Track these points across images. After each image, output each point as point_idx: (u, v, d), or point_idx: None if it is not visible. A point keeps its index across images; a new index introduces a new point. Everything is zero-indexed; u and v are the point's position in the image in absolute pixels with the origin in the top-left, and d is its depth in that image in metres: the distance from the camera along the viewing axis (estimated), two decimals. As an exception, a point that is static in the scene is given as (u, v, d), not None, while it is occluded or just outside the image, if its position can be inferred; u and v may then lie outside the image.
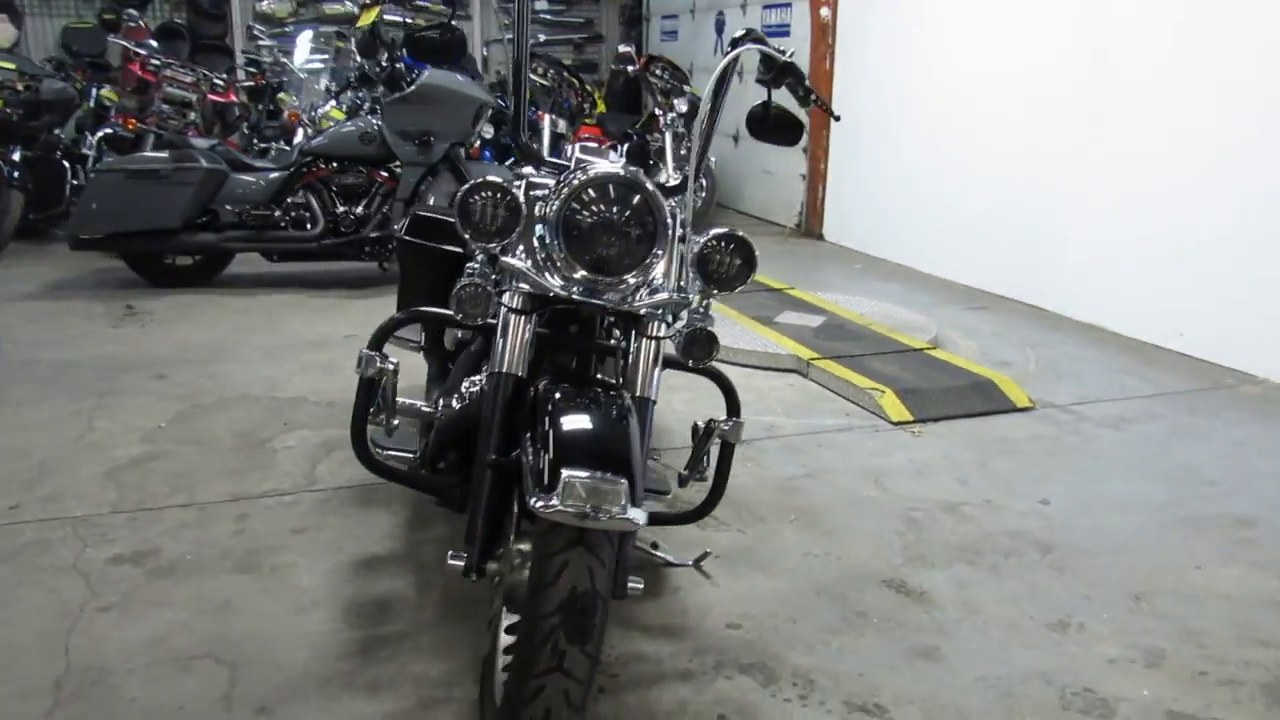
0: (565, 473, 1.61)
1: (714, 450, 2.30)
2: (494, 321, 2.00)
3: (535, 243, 1.97)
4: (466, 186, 1.89)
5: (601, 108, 8.67)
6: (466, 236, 1.92)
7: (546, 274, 1.97)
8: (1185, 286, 4.63)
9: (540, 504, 1.59)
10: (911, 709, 2.10)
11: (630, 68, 7.69)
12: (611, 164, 2.00)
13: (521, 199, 1.90)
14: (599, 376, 2.12)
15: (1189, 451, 3.54)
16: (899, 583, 2.61)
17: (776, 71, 2.34)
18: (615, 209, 1.93)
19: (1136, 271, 4.90)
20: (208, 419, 3.67)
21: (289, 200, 5.65)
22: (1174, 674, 2.25)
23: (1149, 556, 2.78)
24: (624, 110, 10.45)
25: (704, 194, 7.80)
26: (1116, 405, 3.99)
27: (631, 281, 1.97)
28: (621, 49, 8.31)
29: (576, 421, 1.74)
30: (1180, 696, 2.17)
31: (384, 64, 6.17)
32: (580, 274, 1.94)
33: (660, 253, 1.96)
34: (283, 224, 5.65)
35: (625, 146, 9.17)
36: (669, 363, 2.12)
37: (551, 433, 1.70)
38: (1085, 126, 5.17)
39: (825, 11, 7.18)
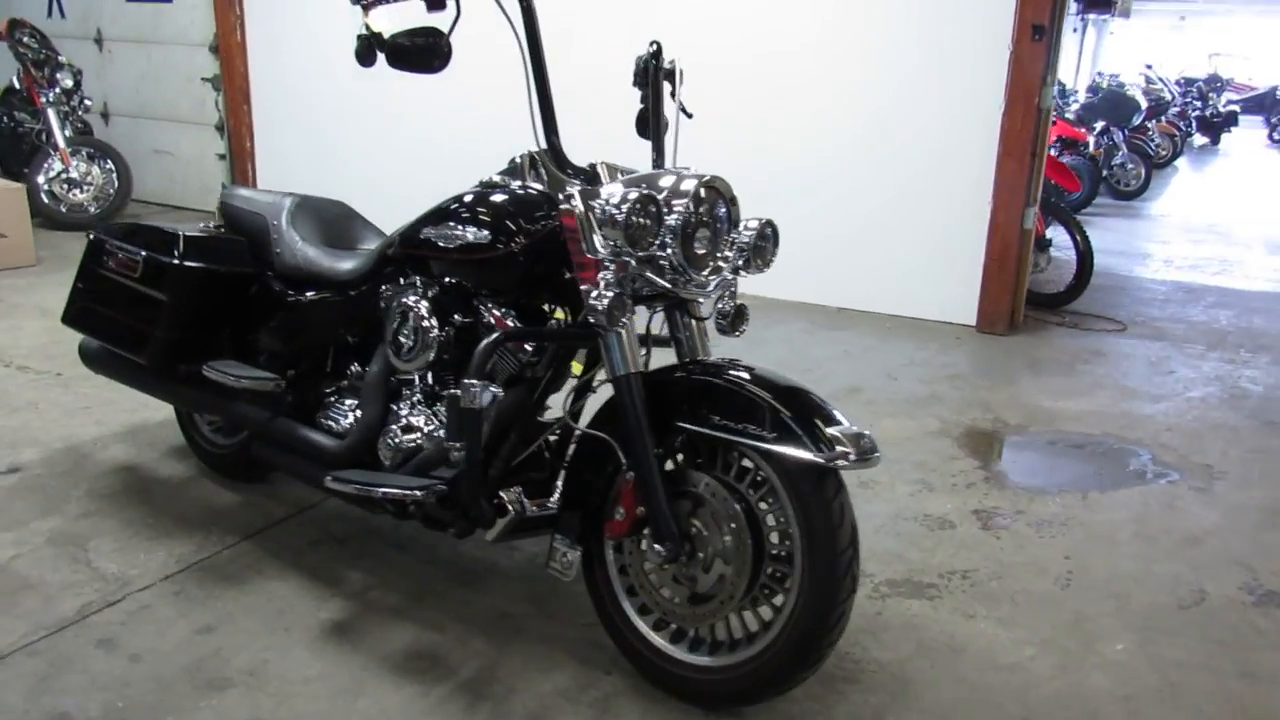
0: (833, 430, 1.92)
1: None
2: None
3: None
4: (637, 196, 1.93)
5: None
6: (619, 244, 1.96)
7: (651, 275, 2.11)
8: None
9: (826, 459, 1.88)
10: (896, 565, 2.78)
11: (-14, 35, 6.36)
12: (692, 171, 2.17)
13: (664, 207, 2.01)
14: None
15: (771, 351, 4.68)
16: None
17: (655, 73, 2.63)
18: (711, 210, 2.15)
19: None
20: None
21: None
22: (943, 490, 3.27)
23: (843, 426, 3.80)
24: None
25: (117, 181, 6.85)
26: (692, 329, 4.98)
27: (706, 276, 2.21)
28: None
29: (780, 387, 2.00)
30: (967, 501, 3.20)
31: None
32: (685, 271, 2.12)
33: (734, 241, 2.24)
34: None
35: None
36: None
37: (773, 400, 1.95)
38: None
39: (236, -19, 6.78)
